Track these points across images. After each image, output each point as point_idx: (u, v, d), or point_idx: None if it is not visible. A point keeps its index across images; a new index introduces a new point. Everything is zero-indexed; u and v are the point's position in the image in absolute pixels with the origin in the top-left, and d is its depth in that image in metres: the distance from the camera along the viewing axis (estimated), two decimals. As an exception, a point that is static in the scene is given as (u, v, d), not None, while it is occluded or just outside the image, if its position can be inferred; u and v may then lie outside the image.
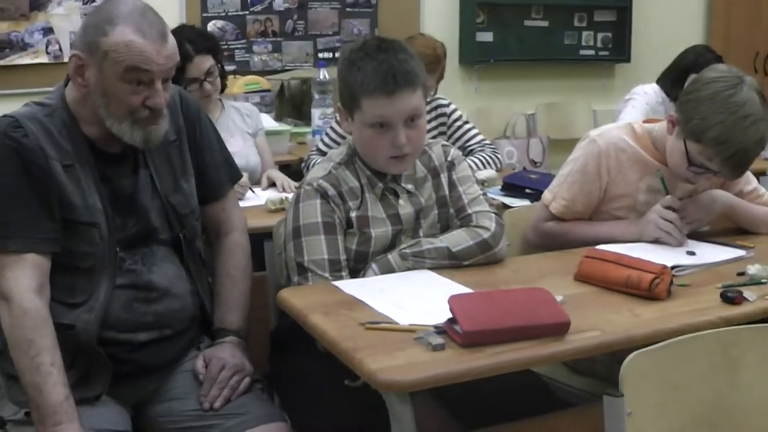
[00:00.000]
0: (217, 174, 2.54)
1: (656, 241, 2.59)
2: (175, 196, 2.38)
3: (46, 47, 5.28)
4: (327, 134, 4.13)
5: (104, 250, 2.22)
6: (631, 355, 1.76)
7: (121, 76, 2.16)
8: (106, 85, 2.18)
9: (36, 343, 2.09)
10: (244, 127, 4.04)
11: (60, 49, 5.30)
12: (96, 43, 2.16)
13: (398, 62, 2.33)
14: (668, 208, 2.61)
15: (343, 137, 3.77)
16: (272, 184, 3.79)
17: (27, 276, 2.13)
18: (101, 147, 2.28)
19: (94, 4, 5.29)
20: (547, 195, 2.82)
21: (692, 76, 2.67)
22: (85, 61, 2.19)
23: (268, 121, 4.86)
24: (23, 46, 5.23)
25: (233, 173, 2.63)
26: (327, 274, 2.32)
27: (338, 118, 2.76)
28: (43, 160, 2.16)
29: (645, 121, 2.86)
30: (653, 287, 2.12)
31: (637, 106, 4.80)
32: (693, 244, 2.59)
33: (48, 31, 5.27)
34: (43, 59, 5.28)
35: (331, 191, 2.39)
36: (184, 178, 2.42)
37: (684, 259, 2.44)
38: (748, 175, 2.81)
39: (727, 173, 2.58)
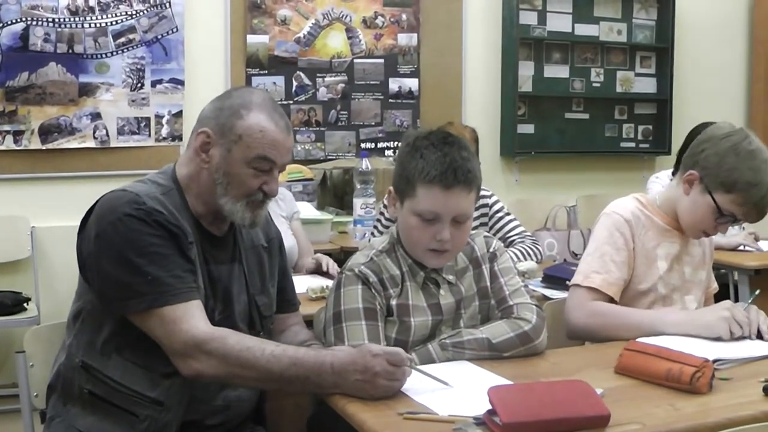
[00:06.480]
0: (293, 289, 2.64)
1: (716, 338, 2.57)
2: (261, 297, 2.44)
3: (94, 132, 5.36)
4: (375, 227, 4.21)
5: None
6: (673, 449, 1.75)
7: (249, 161, 2.25)
8: (230, 165, 2.26)
9: (252, 343, 2.12)
10: (278, 211, 4.08)
11: (107, 134, 5.39)
12: (231, 125, 2.24)
13: (461, 159, 2.36)
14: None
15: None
16: (316, 268, 3.81)
17: (201, 317, 2.15)
18: (206, 227, 2.33)
19: (142, 91, 5.40)
20: (577, 277, 2.81)
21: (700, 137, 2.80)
22: (213, 140, 2.26)
23: (310, 210, 4.91)
24: (71, 131, 5.31)
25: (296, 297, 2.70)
26: (367, 361, 2.32)
27: (386, 201, 2.78)
28: (174, 224, 2.20)
29: None
30: (694, 381, 2.10)
31: (653, 189, 4.93)
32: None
33: (96, 116, 5.36)
34: (90, 144, 5.36)
35: (372, 278, 2.40)
36: (271, 282, 2.49)
37: (726, 353, 2.41)
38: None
39: (755, 216, 2.72)
